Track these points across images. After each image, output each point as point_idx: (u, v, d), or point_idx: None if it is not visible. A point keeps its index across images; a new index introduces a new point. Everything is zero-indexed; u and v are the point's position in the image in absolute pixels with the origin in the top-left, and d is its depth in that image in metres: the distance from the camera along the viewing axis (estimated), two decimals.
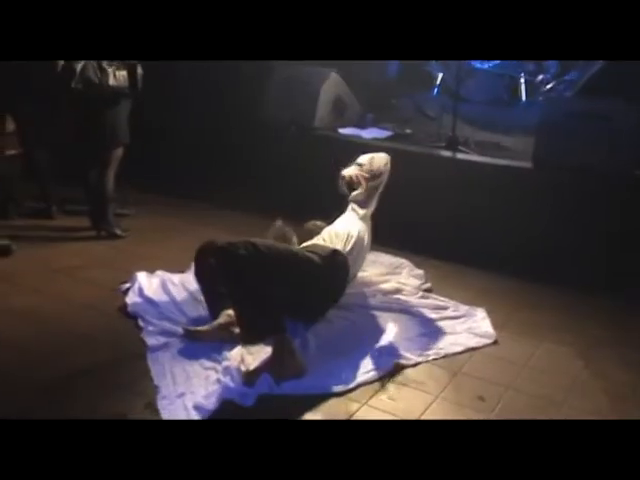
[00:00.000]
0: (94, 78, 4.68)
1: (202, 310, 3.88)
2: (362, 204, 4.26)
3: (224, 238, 3.69)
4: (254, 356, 3.43)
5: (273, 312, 3.35)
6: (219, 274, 3.62)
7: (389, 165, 4.31)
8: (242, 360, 3.38)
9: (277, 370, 3.26)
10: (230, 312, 3.60)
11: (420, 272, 4.62)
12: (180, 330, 3.65)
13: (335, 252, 3.87)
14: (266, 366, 3.30)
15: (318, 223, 4.29)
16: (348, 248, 3.95)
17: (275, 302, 3.36)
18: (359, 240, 4.04)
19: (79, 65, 4.62)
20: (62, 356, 3.46)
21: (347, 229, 4.05)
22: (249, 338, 3.44)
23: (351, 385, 3.28)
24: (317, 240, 4.05)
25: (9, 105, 5.10)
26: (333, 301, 3.93)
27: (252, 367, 3.34)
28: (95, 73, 4.68)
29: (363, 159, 4.31)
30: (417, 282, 4.48)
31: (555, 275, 4.59)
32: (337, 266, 3.84)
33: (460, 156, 5.38)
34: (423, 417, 3.06)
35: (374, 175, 4.27)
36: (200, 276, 3.86)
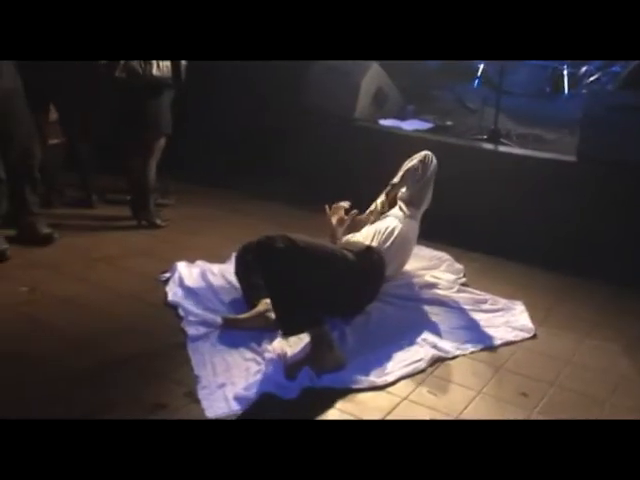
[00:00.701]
0: (138, 68, 4.71)
1: (242, 300, 3.89)
2: (408, 203, 4.24)
3: (264, 227, 3.70)
4: (293, 348, 3.42)
5: (310, 305, 3.34)
6: (257, 268, 3.63)
7: (430, 162, 4.27)
8: (283, 353, 3.38)
9: (317, 363, 3.25)
10: (268, 300, 3.61)
11: (459, 267, 4.58)
12: (220, 320, 3.66)
13: (369, 249, 3.86)
14: (306, 359, 3.28)
15: (372, 217, 4.28)
16: (386, 245, 3.93)
17: (312, 295, 3.35)
18: (400, 238, 4.02)
19: None
20: (103, 344, 3.49)
21: (388, 226, 4.04)
22: (287, 331, 3.44)
23: (391, 378, 3.26)
24: (358, 235, 4.05)
25: (51, 95, 5.14)
26: (369, 299, 3.91)
27: (291, 360, 3.33)
28: (139, 63, 4.70)
29: (395, 180, 4.31)
30: (453, 276, 4.44)
31: (597, 270, 4.53)
32: (372, 263, 3.83)
33: (502, 149, 5.33)
34: (465, 412, 3.03)
35: (416, 180, 4.25)
36: (238, 273, 3.91)
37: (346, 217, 4.28)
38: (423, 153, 4.28)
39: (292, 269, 3.34)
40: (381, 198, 4.33)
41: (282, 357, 3.25)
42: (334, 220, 4.27)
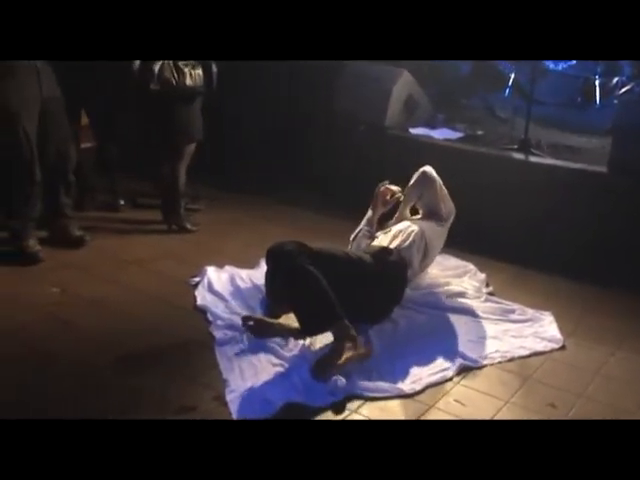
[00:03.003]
0: (172, 79, 4.73)
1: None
2: (427, 215, 4.26)
3: (292, 234, 3.72)
4: (318, 353, 3.44)
5: (327, 302, 3.33)
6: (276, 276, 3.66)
7: (425, 178, 4.21)
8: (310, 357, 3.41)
9: (342, 357, 3.26)
10: (291, 315, 3.65)
11: (482, 276, 4.53)
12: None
13: (386, 250, 3.85)
14: (330, 355, 3.30)
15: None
16: (405, 245, 3.92)
17: (330, 296, 3.34)
18: (418, 238, 4.00)
19: (156, 66, 4.65)
20: (131, 346, 3.54)
21: (406, 228, 4.04)
22: (308, 331, 3.45)
23: (419, 387, 3.27)
24: (377, 241, 4.07)
25: (82, 100, 5.20)
26: (393, 302, 3.89)
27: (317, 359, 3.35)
28: (172, 74, 4.71)
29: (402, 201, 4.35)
30: (478, 285, 4.42)
31: (623, 281, 4.50)
32: (391, 264, 3.83)
33: (532, 159, 5.29)
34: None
35: (418, 197, 4.28)
36: (265, 281, 3.92)
37: (390, 200, 4.33)
38: (420, 171, 4.24)
39: (306, 270, 3.35)
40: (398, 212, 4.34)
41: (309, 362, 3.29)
42: (380, 197, 4.32)
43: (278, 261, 3.50)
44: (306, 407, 3.04)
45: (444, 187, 4.26)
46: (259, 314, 3.81)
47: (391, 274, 3.84)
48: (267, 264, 3.73)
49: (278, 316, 3.71)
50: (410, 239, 3.97)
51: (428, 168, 4.22)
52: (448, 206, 4.26)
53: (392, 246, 3.91)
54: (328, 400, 3.09)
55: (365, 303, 3.71)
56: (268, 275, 3.81)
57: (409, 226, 4.07)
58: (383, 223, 4.32)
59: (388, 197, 4.34)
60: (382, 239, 4.05)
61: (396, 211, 4.31)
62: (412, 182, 4.23)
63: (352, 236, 4.26)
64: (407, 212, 4.29)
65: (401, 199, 4.30)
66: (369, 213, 4.31)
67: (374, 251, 3.86)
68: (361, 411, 3.05)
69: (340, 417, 2.99)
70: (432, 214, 4.23)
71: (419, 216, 4.28)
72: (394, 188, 4.34)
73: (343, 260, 3.64)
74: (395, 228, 4.10)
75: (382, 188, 4.34)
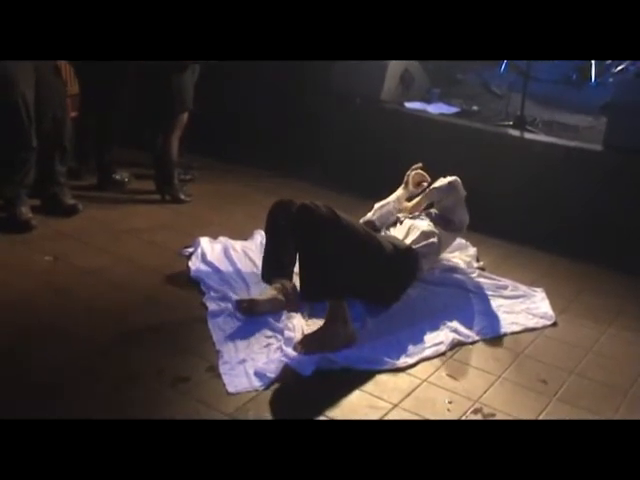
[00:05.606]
0: None
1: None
2: (437, 222, 4.18)
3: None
4: (311, 327, 3.45)
5: (335, 278, 3.33)
6: (287, 235, 3.61)
7: (450, 187, 4.14)
8: (303, 332, 3.41)
9: (328, 337, 3.28)
10: (284, 282, 3.66)
11: (473, 251, 4.55)
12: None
13: (410, 250, 3.83)
14: (319, 332, 3.33)
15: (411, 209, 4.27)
16: (424, 252, 3.91)
17: (339, 271, 3.33)
18: (437, 248, 4.03)
19: None
20: (125, 316, 3.53)
21: (429, 233, 4.00)
22: (307, 297, 3.44)
23: (412, 360, 3.29)
24: (398, 229, 4.06)
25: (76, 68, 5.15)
26: (393, 298, 3.80)
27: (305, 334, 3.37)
28: None
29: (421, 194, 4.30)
30: (469, 260, 4.43)
31: (620, 260, 4.50)
32: (407, 264, 3.82)
33: (527, 136, 5.29)
34: (485, 397, 3.05)
35: (437, 201, 4.24)
36: (269, 233, 3.86)
37: (424, 184, 4.32)
38: (447, 179, 4.17)
39: (328, 238, 3.31)
40: (417, 199, 4.28)
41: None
42: (412, 182, 4.32)
43: (308, 221, 3.36)
44: (298, 379, 3.05)
45: (464, 201, 4.22)
46: (251, 289, 3.81)
47: (404, 273, 3.83)
48: (282, 219, 3.69)
49: (271, 281, 3.70)
50: (432, 250, 3.97)
51: (456, 179, 4.17)
52: (462, 218, 4.22)
53: (414, 246, 3.87)
54: (314, 371, 3.10)
55: (368, 290, 3.66)
56: (278, 230, 3.76)
57: (434, 233, 4.01)
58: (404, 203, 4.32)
59: (418, 183, 4.33)
60: (406, 231, 4.03)
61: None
62: (437, 185, 4.16)
63: (377, 205, 4.25)
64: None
65: (426, 184, 4.29)
66: (400, 191, 4.30)
67: (401, 247, 3.81)
68: (354, 384, 3.07)
69: (333, 390, 3.01)
70: (444, 219, 4.18)
71: (436, 212, 4.24)
72: (426, 177, 4.32)
73: (365, 240, 3.55)
74: (418, 229, 4.01)
75: (413, 173, 4.31)
